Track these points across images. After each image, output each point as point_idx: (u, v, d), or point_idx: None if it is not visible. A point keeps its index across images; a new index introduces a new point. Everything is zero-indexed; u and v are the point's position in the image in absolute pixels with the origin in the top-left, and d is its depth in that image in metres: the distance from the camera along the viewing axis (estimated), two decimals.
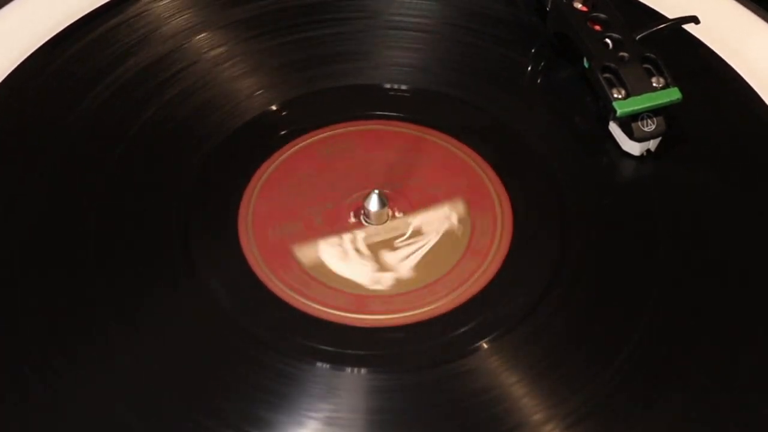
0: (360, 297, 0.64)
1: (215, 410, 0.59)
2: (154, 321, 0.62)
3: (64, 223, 0.66)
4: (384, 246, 0.67)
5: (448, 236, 0.67)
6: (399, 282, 0.65)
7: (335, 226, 0.67)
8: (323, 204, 0.68)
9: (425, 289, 0.65)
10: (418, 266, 0.66)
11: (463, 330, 0.63)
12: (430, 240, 0.67)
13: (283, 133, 0.71)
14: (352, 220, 0.68)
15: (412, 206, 0.68)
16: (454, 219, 0.68)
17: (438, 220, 0.68)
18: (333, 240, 0.67)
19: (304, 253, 0.66)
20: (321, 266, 0.66)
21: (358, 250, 0.66)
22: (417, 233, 0.67)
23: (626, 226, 0.68)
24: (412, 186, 0.69)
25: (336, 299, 0.64)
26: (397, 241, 0.67)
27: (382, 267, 0.66)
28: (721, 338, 0.62)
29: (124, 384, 0.60)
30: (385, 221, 0.67)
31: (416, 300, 0.64)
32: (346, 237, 0.67)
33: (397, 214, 0.68)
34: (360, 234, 0.67)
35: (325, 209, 0.68)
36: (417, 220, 0.68)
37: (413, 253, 0.66)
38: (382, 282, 0.65)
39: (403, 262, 0.66)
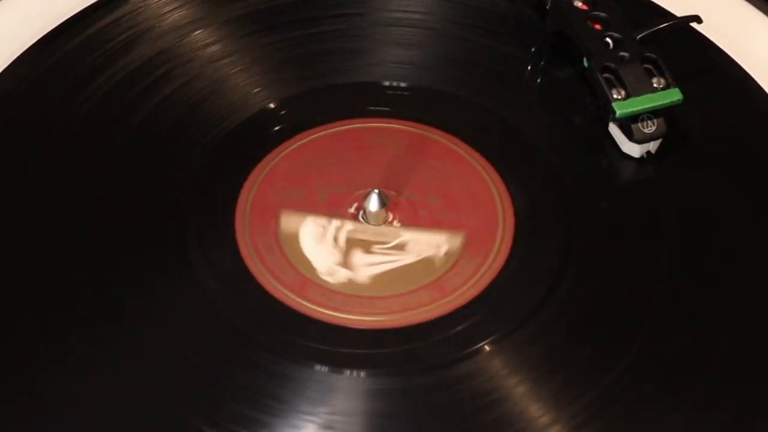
0: (305, 280, 0.64)
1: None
2: (149, 320, 0.62)
3: (61, 219, 0.66)
4: (361, 246, 0.66)
5: (424, 263, 0.65)
6: (350, 283, 0.64)
7: (332, 210, 0.67)
8: (335, 186, 0.68)
9: (367, 300, 0.63)
10: (378, 277, 0.64)
11: (463, 332, 0.62)
12: (405, 259, 0.65)
13: (281, 130, 0.71)
14: (352, 211, 0.67)
15: (414, 221, 0.67)
16: (443, 251, 0.66)
17: (426, 245, 0.66)
18: (321, 221, 0.67)
19: (288, 221, 0.67)
20: (293, 238, 0.66)
21: (335, 239, 0.66)
22: (399, 247, 0.66)
23: (626, 229, 0.67)
24: (427, 203, 0.68)
25: (282, 273, 0.64)
26: (377, 246, 0.66)
27: (345, 263, 0.65)
28: (724, 339, 0.62)
29: (117, 385, 0.59)
30: (381, 224, 0.67)
31: (352, 305, 0.63)
32: (334, 223, 0.67)
33: (395, 222, 0.67)
34: (348, 226, 0.67)
35: (333, 191, 0.68)
36: (408, 235, 0.66)
37: (382, 263, 0.65)
38: (335, 276, 0.64)
39: (367, 267, 0.65)
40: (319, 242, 0.66)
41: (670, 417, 0.59)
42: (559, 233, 0.66)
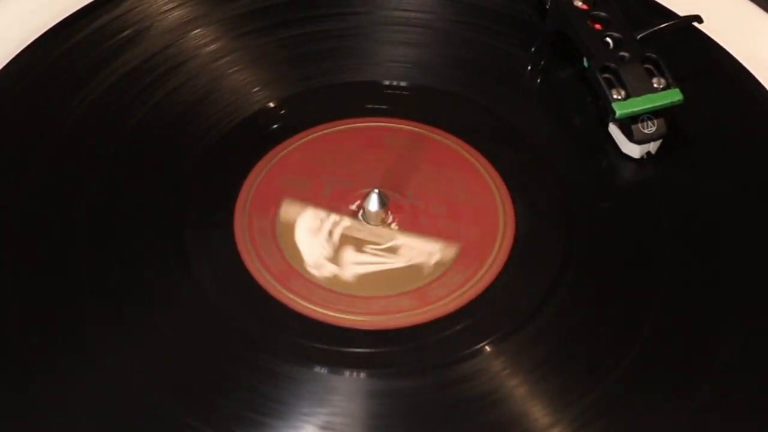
0: (290, 269, 0.65)
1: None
2: (149, 320, 0.63)
3: (60, 218, 0.67)
4: (354, 243, 0.67)
5: (413, 269, 0.65)
6: (334, 278, 0.65)
7: (334, 204, 0.68)
8: (343, 180, 0.69)
9: (346, 298, 0.64)
10: (363, 277, 0.65)
11: (464, 332, 0.63)
12: (394, 263, 0.66)
13: (281, 130, 0.72)
14: (353, 207, 0.68)
15: (412, 226, 0.67)
16: (434, 259, 0.66)
17: (419, 252, 0.66)
18: (320, 213, 0.68)
19: (288, 209, 0.68)
20: (289, 226, 0.67)
21: (330, 233, 0.67)
22: (391, 251, 0.66)
23: (626, 230, 0.67)
24: (431, 210, 0.68)
25: (270, 257, 0.65)
26: (369, 246, 0.66)
27: (334, 258, 0.66)
28: (725, 340, 0.62)
29: (117, 385, 0.60)
30: (378, 225, 0.67)
31: (331, 301, 0.64)
32: (333, 217, 0.68)
33: (393, 225, 0.67)
34: (345, 222, 0.67)
35: (340, 185, 0.69)
36: (403, 240, 0.67)
37: (370, 264, 0.66)
38: (321, 270, 0.65)
39: (355, 266, 0.66)
40: (313, 234, 0.67)
41: (671, 418, 0.59)
42: (559, 233, 0.66)
